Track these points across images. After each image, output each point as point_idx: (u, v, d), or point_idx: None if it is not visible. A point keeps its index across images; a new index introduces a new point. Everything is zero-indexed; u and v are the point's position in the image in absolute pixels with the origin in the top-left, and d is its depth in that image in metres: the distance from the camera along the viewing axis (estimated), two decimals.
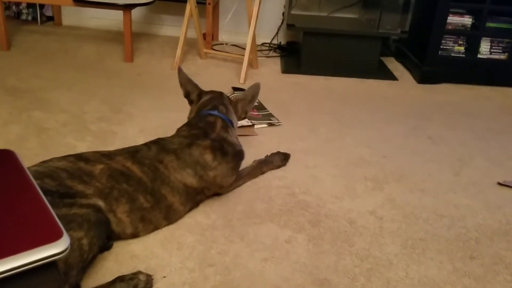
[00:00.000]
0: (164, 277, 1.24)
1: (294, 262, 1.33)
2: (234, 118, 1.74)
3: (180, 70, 1.77)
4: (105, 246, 1.31)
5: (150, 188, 1.38)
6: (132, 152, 1.44)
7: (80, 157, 1.36)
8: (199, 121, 1.64)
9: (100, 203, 1.26)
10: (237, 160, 1.62)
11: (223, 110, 1.70)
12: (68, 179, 1.25)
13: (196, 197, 1.51)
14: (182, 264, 1.29)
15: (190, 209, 1.52)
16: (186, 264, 1.30)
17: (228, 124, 1.66)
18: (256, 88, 1.76)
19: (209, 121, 1.63)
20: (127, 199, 1.32)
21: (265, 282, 1.25)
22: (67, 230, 1.06)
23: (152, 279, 1.22)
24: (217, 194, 1.61)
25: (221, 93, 1.77)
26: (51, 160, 1.34)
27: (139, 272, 1.21)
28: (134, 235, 1.37)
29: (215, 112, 1.67)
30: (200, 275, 1.26)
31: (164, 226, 1.44)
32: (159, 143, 1.51)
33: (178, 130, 1.63)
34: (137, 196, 1.34)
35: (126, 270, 1.25)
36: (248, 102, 1.78)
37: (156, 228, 1.42)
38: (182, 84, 1.78)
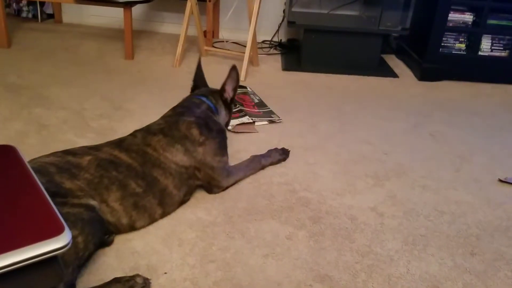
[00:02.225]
0: (165, 273, 1.24)
1: (295, 258, 1.33)
2: (222, 109, 1.75)
3: (199, 63, 1.83)
4: (105, 242, 1.31)
5: (140, 173, 1.38)
6: (118, 142, 1.47)
7: (67, 151, 1.38)
8: (184, 101, 1.69)
9: (92, 202, 1.25)
10: (222, 136, 1.64)
11: (212, 100, 1.72)
12: (57, 174, 1.25)
13: (188, 180, 1.51)
14: (183, 260, 1.29)
15: (184, 195, 1.51)
16: (187, 260, 1.30)
17: (213, 110, 1.69)
18: (234, 69, 1.73)
19: (194, 102, 1.67)
20: (118, 186, 1.32)
21: (266, 278, 1.25)
22: None
23: (150, 282, 1.21)
24: (213, 190, 1.61)
25: (216, 89, 1.78)
26: (39, 157, 1.34)
27: (137, 275, 1.20)
28: (131, 226, 1.37)
29: (203, 98, 1.70)
30: (201, 271, 1.26)
31: (159, 214, 1.43)
32: (143, 129, 1.54)
33: (164, 114, 1.65)
34: (128, 182, 1.35)
35: (127, 266, 1.26)
36: (233, 81, 1.74)
37: (151, 216, 1.41)
38: (196, 75, 1.83)
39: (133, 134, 1.52)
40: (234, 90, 1.75)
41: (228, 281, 1.24)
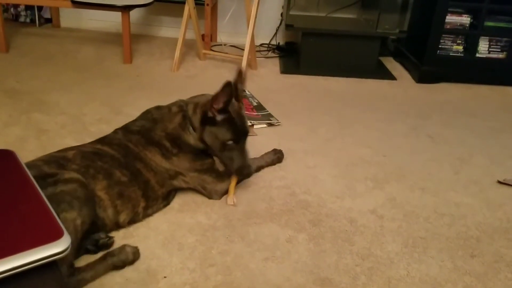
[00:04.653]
0: (165, 277, 1.24)
1: (295, 261, 1.33)
2: (195, 127, 1.53)
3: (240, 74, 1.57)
4: (105, 244, 1.32)
5: (124, 163, 1.43)
6: (100, 138, 1.54)
7: (50, 153, 1.43)
8: (162, 108, 1.60)
9: (81, 177, 1.28)
10: (195, 152, 1.54)
11: (190, 111, 1.55)
12: (45, 165, 1.30)
13: (172, 181, 1.53)
14: (183, 265, 1.29)
15: (167, 194, 1.53)
16: (187, 264, 1.29)
17: (187, 124, 1.54)
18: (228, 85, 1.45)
19: (170, 112, 1.56)
20: (104, 175, 1.36)
21: (266, 282, 1.25)
22: (60, 213, 1.09)
23: (138, 250, 1.29)
24: (213, 196, 1.60)
25: (207, 99, 1.53)
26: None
27: (125, 245, 1.27)
28: (116, 219, 1.38)
29: (183, 107, 1.57)
30: (201, 275, 1.26)
31: (142, 208, 1.44)
32: (123, 127, 1.57)
33: (142, 115, 1.62)
34: (113, 171, 1.39)
35: (126, 270, 1.25)
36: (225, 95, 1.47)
37: (135, 208, 1.42)
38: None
39: (115, 131, 1.57)
40: (225, 103, 1.46)
41: (228, 285, 1.23)
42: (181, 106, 1.57)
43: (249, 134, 1.56)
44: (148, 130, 1.53)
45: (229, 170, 1.55)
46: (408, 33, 3.04)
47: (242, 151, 1.53)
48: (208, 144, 1.53)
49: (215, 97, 1.46)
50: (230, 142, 1.50)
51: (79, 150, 1.42)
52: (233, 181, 1.59)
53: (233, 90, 1.47)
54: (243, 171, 1.55)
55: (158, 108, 1.61)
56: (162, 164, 1.50)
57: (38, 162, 1.33)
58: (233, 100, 1.50)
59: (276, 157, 1.85)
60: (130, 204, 1.40)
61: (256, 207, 1.57)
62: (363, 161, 1.93)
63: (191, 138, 1.53)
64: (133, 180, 1.42)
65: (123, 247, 1.27)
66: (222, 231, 1.44)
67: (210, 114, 1.48)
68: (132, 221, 1.43)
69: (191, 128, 1.53)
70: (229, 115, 1.49)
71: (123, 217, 1.39)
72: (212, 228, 1.45)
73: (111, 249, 1.32)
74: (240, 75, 1.54)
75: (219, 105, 1.46)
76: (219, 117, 1.48)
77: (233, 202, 1.56)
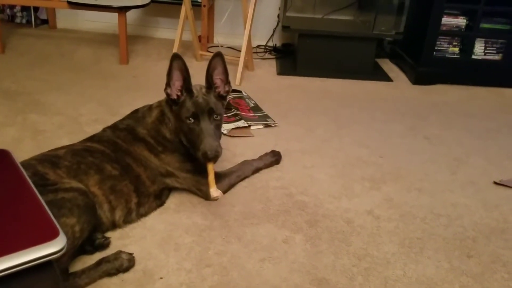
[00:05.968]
0: (161, 278, 1.24)
1: (292, 262, 1.33)
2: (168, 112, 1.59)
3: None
4: (102, 244, 1.31)
5: (114, 158, 1.45)
6: (90, 137, 1.58)
7: (42, 153, 1.45)
8: (141, 108, 1.67)
9: (82, 186, 1.28)
10: (180, 151, 1.56)
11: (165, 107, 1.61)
12: (39, 164, 1.31)
13: (164, 179, 1.54)
14: (180, 265, 1.29)
15: (160, 192, 1.53)
16: (183, 265, 1.29)
17: (165, 117, 1.58)
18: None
19: (152, 107, 1.64)
20: (95, 170, 1.38)
21: (263, 282, 1.25)
22: (60, 217, 1.10)
23: (134, 257, 1.28)
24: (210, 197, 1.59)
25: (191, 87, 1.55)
26: None
27: (121, 252, 1.26)
28: (113, 219, 1.38)
29: (158, 103, 1.65)
30: (198, 276, 1.25)
31: (135, 204, 1.44)
32: (111, 126, 1.61)
33: (127, 115, 1.66)
34: (104, 166, 1.41)
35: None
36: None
37: (128, 203, 1.42)
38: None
39: (103, 130, 1.61)
40: (183, 80, 1.52)
41: (224, 285, 1.23)
42: (161, 101, 1.63)
43: (215, 114, 1.48)
44: (134, 128, 1.57)
45: (199, 158, 1.45)
46: (404, 34, 3.05)
47: (207, 131, 1.44)
48: (178, 132, 1.54)
49: (167, 73, 1.51)
50: (191, 120, 1.46)
51: (70, 148, 1.46)
52: (211, 171, 1.45)
53: (184, 64, 1.49)
54: (209, 155, 1.41)
55: (144, 107, 1.66)
56: (151, 159, 1.52)
57: (31, 161, 1.34)
58: (201, 86, 1.54)
59: (275, 159, 1.85)
60: (123, 199, 1.41)
61: (252, 208, 1.57)
62: (360, 162, 1.93)
63: (168, 131, 1.57)
64: (124, 174, 1.44)
65: (118, 253, 1.26)
66: (218, 232, 1.44)
67: (173, 96, 1.52)
68: (128, 220, 1.43)
69: (170, 123, 1.57)
70: (191, 94, 1.50)
71: (118, 214, 1.39)
72: (209, 229, 1.45)
73: (107, 249, 1.32)
74: (215, 61, 1.53)
75: (175, 81, 1.51)
76: (182, 98, 1.51)
77: (218, 193, 1.43)
